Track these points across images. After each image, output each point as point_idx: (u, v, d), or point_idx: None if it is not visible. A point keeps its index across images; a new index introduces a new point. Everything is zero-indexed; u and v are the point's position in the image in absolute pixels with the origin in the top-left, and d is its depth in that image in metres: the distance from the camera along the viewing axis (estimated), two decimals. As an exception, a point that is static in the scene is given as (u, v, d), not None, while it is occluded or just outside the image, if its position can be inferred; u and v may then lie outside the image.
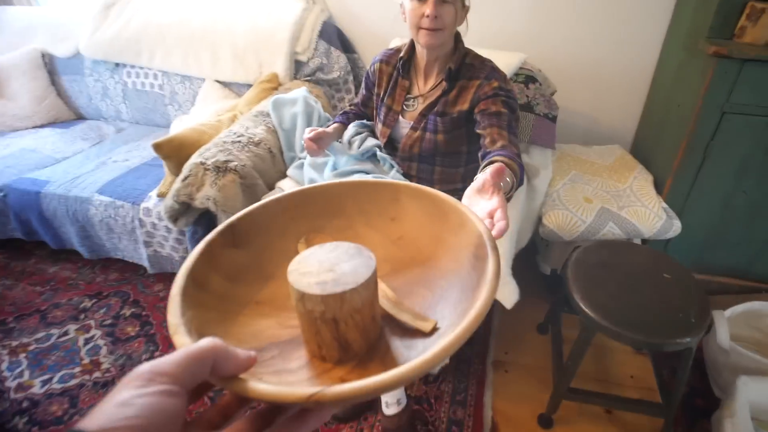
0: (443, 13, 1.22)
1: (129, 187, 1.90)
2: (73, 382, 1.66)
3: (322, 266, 0.42)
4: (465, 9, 1.29)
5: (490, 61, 1.36)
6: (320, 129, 1.45)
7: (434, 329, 0.45)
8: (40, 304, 2.00)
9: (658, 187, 1.88)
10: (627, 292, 1.32)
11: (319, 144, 1.43)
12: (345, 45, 2.22)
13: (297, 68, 2.15)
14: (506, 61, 1.83)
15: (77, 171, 2.06)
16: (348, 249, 0.44)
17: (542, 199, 1.79)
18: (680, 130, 1.74)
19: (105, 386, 1.65)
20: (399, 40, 2.00)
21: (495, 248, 0.45)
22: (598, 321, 1.23)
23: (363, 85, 1.61)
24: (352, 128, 1.60)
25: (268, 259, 0.54)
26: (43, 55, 2.54)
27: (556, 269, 1.91)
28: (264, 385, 0.33)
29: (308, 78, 2.15)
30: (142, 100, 2.45)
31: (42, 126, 2.53)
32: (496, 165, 0.70)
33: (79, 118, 2.66)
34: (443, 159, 1.43)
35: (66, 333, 1.86)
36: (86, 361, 1.74)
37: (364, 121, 1.64)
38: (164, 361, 0.31)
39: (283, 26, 2.08)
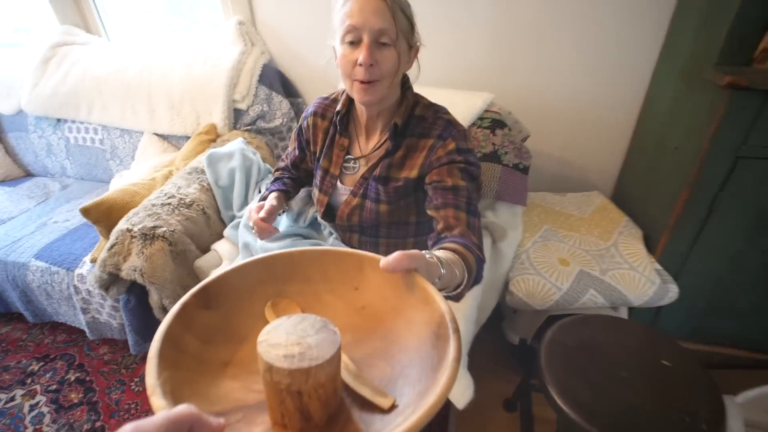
0: (381, 60, 0.97)
1: (65, 252, 1.84)
2: (14, 455, 1.61)
3: (289, 338, 0.45)
4: (414, 50, 1.05)
5: (446, 111, 1.12)
6: (268, 205, 1.25)
7: (393, 406, 0.46)
8: None
9: (650, 244, 1.62)
10: (615, 384, 1.06)
11: (270, 221, 1.25)
12: (287, 89, 2.17)
13: (237, 117, 2.09)
14: (469, 103, 1.66)
15: (18, 233, 2.01)
16: (314, 322, 0.48)
17: (509, 264, 1.58)
18: (679, 177, 1.46)
19: None
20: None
21: (457, 330, 0.46)
22: (580, 424, 0.98)
23: (294, 142, 1.37)
24: (300, 199, 1.44)
25: (238, 321, 0.57)
26: (-13, 114, 2.49)
27: (526, 339, 1.69)
28: None
29: (249, 127, 2.09)
30: (84, 155, 2.39)
31: (-9, 184, 2.49)
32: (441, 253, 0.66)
33: (28, 175, 2.61)
34: (388, 230, 1.21)
35: (13, 398, 1.83)
36: (30, 430, 1.70)
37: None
38: (147, 422, 0.35)
39: (219, 72, 2.02)
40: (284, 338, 0.45)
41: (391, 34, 0.95)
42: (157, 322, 1.51)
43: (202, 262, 1.56)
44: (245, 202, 1.73)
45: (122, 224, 1.57)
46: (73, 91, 2.22)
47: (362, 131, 1.19)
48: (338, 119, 1.18)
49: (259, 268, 0.60)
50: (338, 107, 1.18)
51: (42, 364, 1.98)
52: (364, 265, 0.60)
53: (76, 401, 1.80)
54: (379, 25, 0.94)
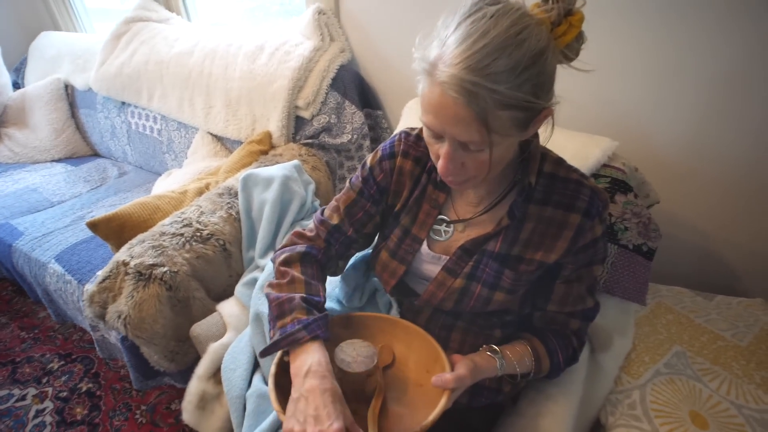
0: (469, 163, 0.73)
1: (84, 259, 1.63)
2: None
3: (351, 353, 0.80)
4: (538, 119, 0.71)
5: (582, 173, 0.84)
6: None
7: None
8: (17, 354, 1.96)
9: None
10: None
11: None
12: (365, 98, 1.77)
13: (298, 126, 1.74)
14: (582, 152, 1.20)
15: (53, 225, 1.86)
16: (370, 351, 0.81)
17: (609, 388, 1.10)
18: None
19: None
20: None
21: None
22: None
23: (355, 191, 0.96)
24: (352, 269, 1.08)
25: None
26: (67, 86, 2.41)
27: None
28: None
29: (310, 140, 1.72)
30: (143, 143, 2.20)
31: (59, 160, 2.43)
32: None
33: (95, 154, 2.51)
34: (474, 318, 0.92)
35: (24, 397, 1.77)
36: None
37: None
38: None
39: (283, 72, 1.67)
40: (350, 351, 0.80)
41: (481, 143, 0.68)
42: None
43: (199, 328, 1.22)
44: (272, 246, 1.37)
45: (122, 253, 1.29)
46: (135, 74, 2.01)
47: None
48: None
49: (382, 323, 0.93)
50: None
51: (62, 363, 1.91)
52: (438, 363, 0.82)
53: (78, 418, 1.69)
54: (462, 137, 0.68)
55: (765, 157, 1.28)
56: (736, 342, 1.19)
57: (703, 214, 1.43)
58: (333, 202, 1.00)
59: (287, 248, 0.96)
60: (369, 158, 0.97)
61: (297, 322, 0.79)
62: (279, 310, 0.83)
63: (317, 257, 0.95)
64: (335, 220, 0.97)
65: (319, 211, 1.02)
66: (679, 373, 1.11)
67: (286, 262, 0.93)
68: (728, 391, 1.07)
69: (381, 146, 0.97)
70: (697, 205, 1.42)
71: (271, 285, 0.89)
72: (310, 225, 1.01)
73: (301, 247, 0.94)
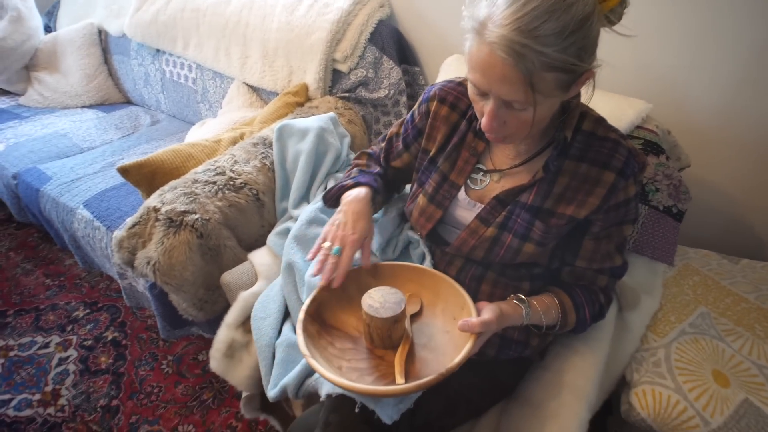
0: (511, 121, 0.75)
1: (113, 205, 1.62)
2: (26, 412, 1.54)
3: (379, 299, 0.79)
4: (580, 81, 0.73)
5: (622, 133, 0.85)
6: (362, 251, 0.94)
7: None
8: (42, 301, 1.94)
9: None
10: None
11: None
12: (403, 54, 1.70)
13: (335, 80, 1.69)
14: (615, 112, 1.19)
15: (83, 171, 1.85)
16: (398, 297, 0.80)
17: (635, 346, 1.12)
18: None
19: (51, 429, 1.49)
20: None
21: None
22: None
23: (399, 127, 1.08)
24: (389, 220, 1.11)
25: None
26: (100, 32, 2.37)
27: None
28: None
29: (346, 94, 1.67)
30: (177, 92, 2.16)
31: (90, 106, 2.41)
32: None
33: (127, 101, 2.48)
34: (504, 269, 0.92)
35: (47, 345, 1.76)
36: (49, 388, 1.61)
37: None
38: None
39: (321, 24, 1.61)
40: (378, 297, 0.79)
41: (525, 103, 0.70)
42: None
43: (230, 276, 1.20)
44: (305, 198, 1.34)
45: (154, 199, 1.27)
46: (171, 22, 1.96)
47: None
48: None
49: (410, 272, 0.94)
50: None
51: (88, 312, 1.90)
52: (465, 310, 0.83)
53: (103, 367, 1.68)
54: (508, 97, 0.70)
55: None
56: (759, 304, 1.21)
57: (732, 179, 1.43)
58: (388, 130, 1.12)
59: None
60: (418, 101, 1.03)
61: (347, 177, 1.05)
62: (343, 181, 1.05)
63: (378, 159, 1.14)
64: (373, 150, 1.17)
65: (382, 135, 1.17)
66: (703, 333, 1.13)
67: (356, 158, 1.16)
68: (750, 351, 1.09)
69: (425, 89, 1.02)
70: (727, 170, 1.42)
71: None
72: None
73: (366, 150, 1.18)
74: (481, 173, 0.93)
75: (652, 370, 1.06)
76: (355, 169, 1.10)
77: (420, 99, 1.01)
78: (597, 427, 1.09)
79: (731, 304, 1.21)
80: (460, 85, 0.96)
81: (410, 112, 1.04)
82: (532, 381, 1.01)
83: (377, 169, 1.10)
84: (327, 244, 0.91)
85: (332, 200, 1.05)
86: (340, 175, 1.38)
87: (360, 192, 0.98)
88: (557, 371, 0.99)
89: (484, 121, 0.75)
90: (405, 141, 1.05)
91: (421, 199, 0.97)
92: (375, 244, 1.04)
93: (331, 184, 1.33)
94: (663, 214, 1.24)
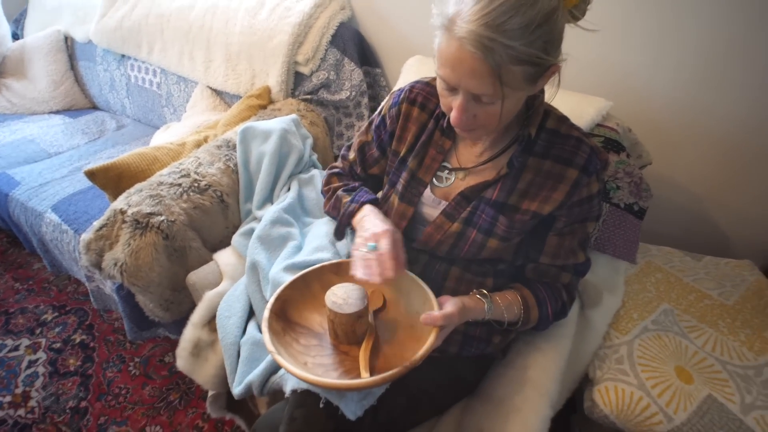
0: (480, 115, 0.77)
1: (81, 209, 1.63)
2: (-4, 414, 1.55)
3: (342, 295, 0.82)
4: (546, 75, 0.75)
5: (579, 129, 0.88)
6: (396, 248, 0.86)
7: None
8: (11, 305, 1.95)
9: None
10: None
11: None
12: (364, 56, 1.75)
13: (297, 82, 1.73)
14: (576, 111, 1.20)
15: (50, 175, 1.86)
16: (360, 293, 0.83)
17: (597, 343, 1.13)
18: None
19: (22, 431, 1.51)
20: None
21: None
22: None
23: (368, 134, 1.08)
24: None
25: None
26: (67, 38, 2.38)
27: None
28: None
29: (309, 96, 1.71)
30: (142, 97, 2.18)
31: (57, 112, 2.41)
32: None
33: (93, 107, 2.49)
34: (469, 264, 0.95)
35: (17, 348, 1.78)
36: (19, 390, 1.63)
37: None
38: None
39: (283, 27, 1.65)
40: (341, 293, 0.82)
41: (493, 96, 0.73)
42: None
43: (196, 276, 1.23)
44: (269, 199, 1.38)
45: (120, 201, 1.29)
46: (136, 27, 1.98)
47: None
48: (446, 118, 0.92)
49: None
50: None
51: (56, 315, 1.92)
52: (427, 305, 0.84)
53: (72, 369, 1.70)
54: (477, 90, 0.72)
55: (760, 124, 1.30)
56: (722, 301, 1.23)
57: (694, 177, 1.45)
58: (355, 139, 1.13)
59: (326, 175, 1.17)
60: (384, 103, 1.05)
61: (346, 203, 1.01)
62: (335, 210, 1.06)
63: (348, 175, 1.14)
64: (352, 157, 1.12)
65: (345, 147, 1.17)
66: (666, 329, 1.15)
67: (327, 183, 1.14)
68: (713, 348, 1.11)
69: (394, 91, 1.04)
70: (690, 168, 1.44)
71: (326, 206, 1.12)
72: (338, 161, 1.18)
73: (333, 170, 1.16)
74: (447, 171, 0.94)
75: (614, 366, 1.06)
76: (341, 192, 1.06)
77: (389, 102, 1.02)
78: (561, 425, 1.14)
79: (694, 300, 1.23)
80: (428, 85, 0.98)
81: (380, 117, 1.04)
82: (495, 378, 1.03)
83: (357, 183, 1.10)
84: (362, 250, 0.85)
85: (342, 229, 1.03)
86: (304, 176, 1.42)
87: (366, 209, 0.97)
88: (519, 368, 1.01)
89: (453, 115, 0.77)
90: (380, 146, 1.05)
91: (393, 199, 1.00)
92: (348, 242, 1.09)
93: (294, 185, 1.37)
94: (624, 211, 1.25)
